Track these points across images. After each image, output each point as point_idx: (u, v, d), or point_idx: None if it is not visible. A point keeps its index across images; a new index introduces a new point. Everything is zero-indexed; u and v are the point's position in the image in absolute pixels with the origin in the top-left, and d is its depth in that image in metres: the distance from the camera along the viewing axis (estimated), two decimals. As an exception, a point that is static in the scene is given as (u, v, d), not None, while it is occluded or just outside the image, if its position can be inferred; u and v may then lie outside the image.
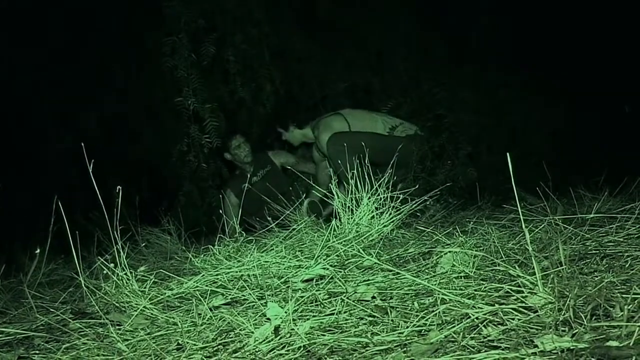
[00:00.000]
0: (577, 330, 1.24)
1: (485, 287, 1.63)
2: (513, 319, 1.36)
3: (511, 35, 5.64)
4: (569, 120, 5.61)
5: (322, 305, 1.79)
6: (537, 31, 5.63)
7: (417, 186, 3.39)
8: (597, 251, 1.88)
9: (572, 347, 1.14)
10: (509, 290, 1.52)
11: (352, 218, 2.81)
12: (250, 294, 2.00)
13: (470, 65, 5.48)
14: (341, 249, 2.36)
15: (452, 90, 5.17)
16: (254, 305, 1.92)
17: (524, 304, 1.41)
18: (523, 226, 1.61)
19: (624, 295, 1.38)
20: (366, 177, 2.89)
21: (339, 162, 3.95)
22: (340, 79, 5.58)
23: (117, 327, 1.87)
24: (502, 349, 1.22)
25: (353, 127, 4.60)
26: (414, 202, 2.93)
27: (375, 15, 5.66)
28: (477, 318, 1.39)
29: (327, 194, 3.05)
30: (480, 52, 5.55)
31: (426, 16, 5.58)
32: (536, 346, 1.18)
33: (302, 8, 5.66)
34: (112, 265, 2.22)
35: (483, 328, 1.35)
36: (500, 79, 5.64)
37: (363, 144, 3.70)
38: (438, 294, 1.59)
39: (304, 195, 4.26)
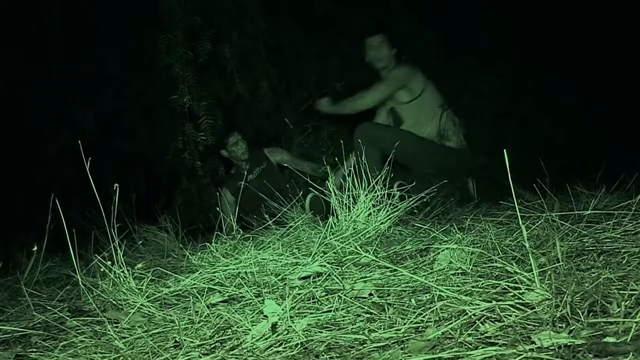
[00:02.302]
0: (574, 327, 1.24)
1: (482, 284, 1.63)
2: (510, 316, 1.36)
3: (511, 34, 5.63)
4: (566, 117, 5.61)
5: (320, 303, 1.79)
6: (537, 30, 5.62)
7: (414, 183, 3.39)
8: (594, 248, 1.88)
9: (569, 344, 1.14)
10: (506, 287, 1.52)
11: (349, 215, 2.81)
12: (248, 292, 2.00)
13: (469, 63, 5.47)
14: (338, 246, 2.37)
15: (451, 88, 5.16)
16: (251, 302, 1.92)
17: (521, 301, 1.41)
18: (520, 223, 1.61)
19: (621, 292, 1.38)
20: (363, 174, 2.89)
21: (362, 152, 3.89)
22: (338, 75, 5.57)
23: (115, 324, 1.87)
24: (500, 346, 1.22)
25: (420, 99, 4.57)
26: (411, 199, 2.94)
27: (373, 12, 5.65)
28: (474, 315, 1.39)
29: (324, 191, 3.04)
30: (479, 50, 5.54)
31: (425, 12, 5.56)
32: (533, 342, 1.19)
33: (299, 4, 5.65)
34: (109, 263, 2.22)
35: (480, 325, 1.35)
36: (497, 79, 5.64)
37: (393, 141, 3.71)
38: (435, 291, 1.59)
39: (303, 190, 4.25)
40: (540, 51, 5.62)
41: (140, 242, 3.54)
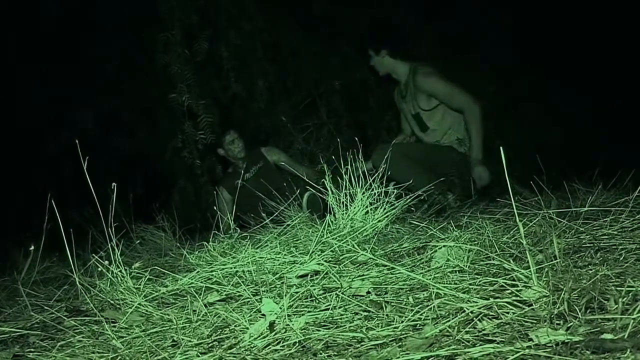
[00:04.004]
0: (571, 324, 1.24)
1: (479, 281, 1.63)
2: (508, 313, 1.36)
3: (510, 32, 5.64)
4: (565, 116, 5.63)
5: (317, 301, 1.79)
6: (535, 28, 5.63)
7: (411, 182, 3.40)
8: (592, 244, 1.88)
9: (566, 341, 1.14)
10: (503, 284, 1.52)
11: (346, 213, 2.81)
12: (245, 290, 1.99)
13: (468, 60, 5.47)
14: (336, 244, 2.36)
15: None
16: (248, 301, 1.92)
17: (518, 298, 1.41)
18: (517, 220, 1.61)
19: (618, 288, 1.38)
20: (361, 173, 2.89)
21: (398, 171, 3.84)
22: (336, 74, 5.57)
23: (112, 324, 1.87)
24: (497, 343, 1.22)
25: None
26: (408, 197, 2.94)
27: (371, 10, 5.64)
28: (471, 312, 1.39)
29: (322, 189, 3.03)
30: (478, 47, 5.54)
31: (424, 10, 5.56)
32: (531, 340, 1.19)
33: (298, 3, 5.65)
34: (106, 262, 2.21)
35: (478, 322, 1.35)
36: (496, 75, 5.64)
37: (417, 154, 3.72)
38: (433, 289, 1.59)
39: (301, 189, 4.25)
40: (541, 51, 5.63)
41: (138, 241, 3.55)
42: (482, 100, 4.23)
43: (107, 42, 5.67)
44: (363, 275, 2.01)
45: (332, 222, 2.78)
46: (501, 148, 1.55)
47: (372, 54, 4.55)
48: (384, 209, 2.82)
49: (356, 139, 3.32)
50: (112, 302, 2.11)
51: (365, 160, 3.65)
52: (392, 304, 1.64)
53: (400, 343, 1.34)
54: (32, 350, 1.78)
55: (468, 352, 1.19)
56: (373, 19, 5.02)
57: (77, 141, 2.31)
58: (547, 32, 5.62)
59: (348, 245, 2.32)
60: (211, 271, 2.33)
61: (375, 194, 2.84)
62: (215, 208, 3.87)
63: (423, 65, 4.39)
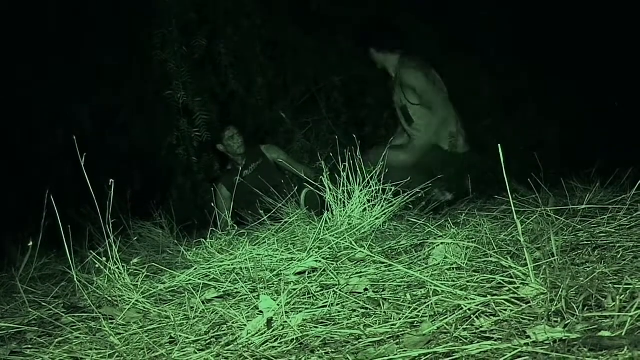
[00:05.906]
0: (569, 321, 1.24)
1: (477, 279, 1.63)
2: (505, 310, 1.36)
3: (510, 30, 5.64)
4: (562, 113, 5.63)
5: (315, 298, 1.79)
6: (535, 26, 5.63)
7: (409, 179, 3.40)
8: (589, 242, 1.89)
9: (564, 338, 1.14)
10: (501, 282, 1.52)
11: (344, 211, 2.81)
12: (243, 287, 2.00)
13: (467, 58, 5.47)
14: (333, 241, 2.36)
15: (449, 82, 5.16)
16: (246, 298, 1.92)
17: (516, 295, 1.41)
18: (515, 217, 1.61)
19: (615, 286, 1.38)
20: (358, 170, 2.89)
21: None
22: (335, 71, 5.56)
23: (110, 321, 1.87)
24: (495, 340, 1.22)
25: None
26: (406, 194, 2.94)
27: (370, 7, 5.64)
28: (469, 309, 1.39)
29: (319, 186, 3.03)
30: (477, 45, 5.53)
31: (423, 7, 5.55)
32: (528, 337, 1.19)
33: (296, 0, 5.64)
34: (104, 259, 2.21)
35: (475, 319, 1.35)
36: (497, 79, 5.64)
37: None
38: (430, 286, 1.59)
39: (298, 186, 4.24)
40: (540, 51, 5.63)
41: (135, 238, 3.54)
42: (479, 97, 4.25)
43: (104, 39, 5.65)
44: (361, 272, 2.01)
45: (329, 219, 2.78)
46: (499, 145, 1.55)
47: (368, 50, 4.56)
48: (382, 206, 2.82)
49: (354, 136, 3.31)
50: (109, 298, 2.11)
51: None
52: (390, 301, 1.64)
53: (397, 340, 1.34)
54: (30, 346, 1.78)
55: (465, 349, 1.19)
56: (371, 18, 5.02)
57: (74, 138, 2.31)
58: (547, 31, 5.62)
59: (346, 242, 2.32)
60: (209, 268, 2.33)
61: (372, 191, 2.84)
62: (212, 205, 3.87)
63: (411, 59, 4.40)
